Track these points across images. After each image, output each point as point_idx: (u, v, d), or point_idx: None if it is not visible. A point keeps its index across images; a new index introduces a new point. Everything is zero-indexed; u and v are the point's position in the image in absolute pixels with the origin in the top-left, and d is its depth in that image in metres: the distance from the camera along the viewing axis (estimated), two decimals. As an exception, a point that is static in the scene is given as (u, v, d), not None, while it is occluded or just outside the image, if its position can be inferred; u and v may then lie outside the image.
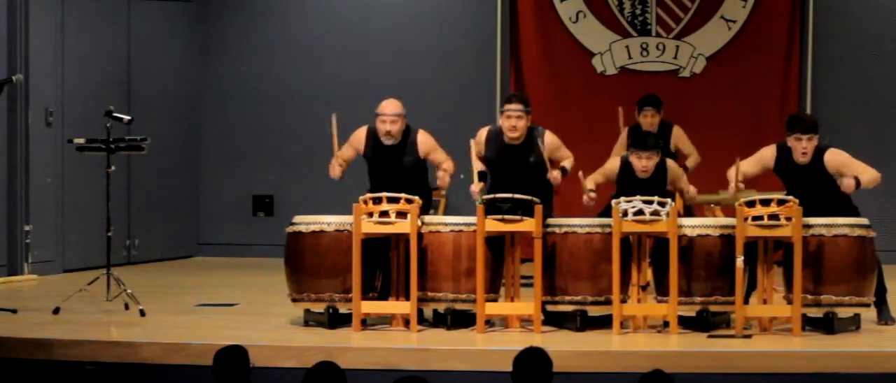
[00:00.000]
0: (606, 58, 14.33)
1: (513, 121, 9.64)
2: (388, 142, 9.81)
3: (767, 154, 9.61)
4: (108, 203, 10.56)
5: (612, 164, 9.91)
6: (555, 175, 9.61)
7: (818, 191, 9.38)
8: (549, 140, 9.72)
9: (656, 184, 9.66)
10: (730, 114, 13.82)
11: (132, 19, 14.17)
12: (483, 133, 9.84)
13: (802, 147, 9.40)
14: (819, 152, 9.45)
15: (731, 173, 9.50)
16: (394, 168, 9.82)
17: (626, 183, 9.71)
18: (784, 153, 9.52)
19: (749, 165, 9.62)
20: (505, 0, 14.46)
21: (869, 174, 9.36)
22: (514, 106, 9.67)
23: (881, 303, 9.47)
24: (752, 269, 9.23)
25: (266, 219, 14.93)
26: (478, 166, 9.70)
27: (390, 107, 9.83)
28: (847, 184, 9.28)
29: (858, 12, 14.24)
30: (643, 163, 9.67)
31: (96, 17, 13.71)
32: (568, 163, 9.77)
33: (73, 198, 13.21)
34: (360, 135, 9.95)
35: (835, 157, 9.44)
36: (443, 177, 9.79)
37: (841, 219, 9.19)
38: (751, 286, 9.36)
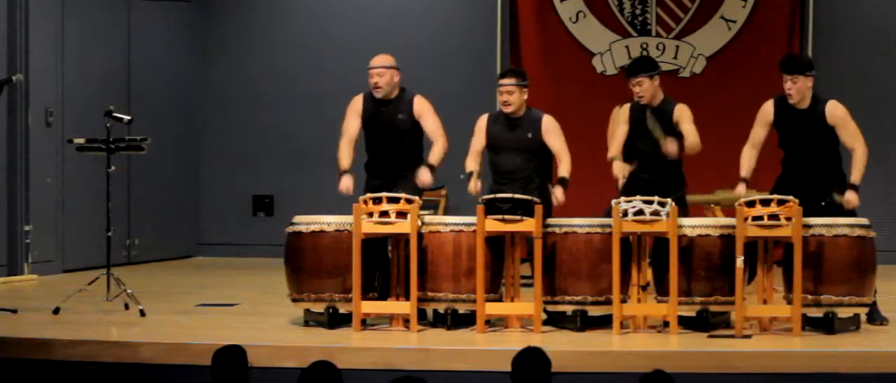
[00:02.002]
0: (606, 58, 14.33)
1: (505, 97, 9.66)
2: (378, 95, 9.83)
3: (766, 108, 9.64)
4: (108, 203, 10.57)
5: (621, 116, 9.87)
6: (557, 194, 9.58)
7: (814, 141, 9.41)
8: (546, 123, 9.69)
9: (663, 117, 9.67)
10: (730, 114, 13.79)
11: (132, 19, 14.18)
12: (483, 119, 9.84)
13: (788, 87, 9.44)
14: (820, 100, 9.46)
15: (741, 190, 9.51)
16: (389, 127, 9.81)
17: (636, 123, 9.71)
18: (781, 102, 9.54)
19: (757, 133, 9.60)
20: (505, 0, 14.46)
21: (860, 156, 9.38)
22: (506, 80, 9.71)
23: (872, 305, 9.45)
24: (753, 264, 9.21)
25: (266, 219, 14.94)
26: (470, 166, 9.71)
27: (377, 60, 9.96)
28: (850, 198, 9.30)
29: (858, 12, 14.24)
30: (636, 90, 9.69)
31: (96, 17, 13.71)
32: (565, 169, 9.66)
33: (73, 198, 13.21)
34: (357, 102, 10.00)
35: (835, 111, 9.47)
36: (434, 154, 9.76)
37: (841, 219, 9.20)
38: (751, 276, 9.35)
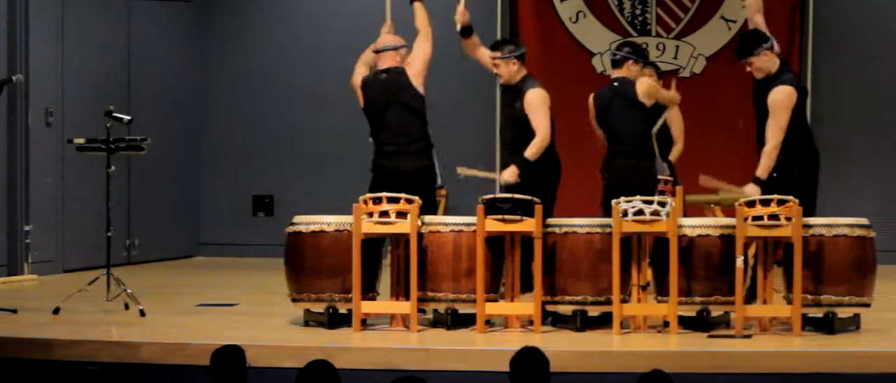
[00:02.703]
0: (606, 58, 14.32)
1: (494, 70, 9.81)
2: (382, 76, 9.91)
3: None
4: (108, 203, 10.57)
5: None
6: (503, 174, 9.61)
7: (762, 115, 9.51)
8: (530, 97, 9.68)
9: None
10: (730, 114, 13.81)
11: (132, 19, 14.18)
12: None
13: (748, 70, 9.61)
14: (778, 78, 9.51)
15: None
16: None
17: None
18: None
19: None
20: (505, 0, 14.46)
21: (766, 151, 9.40)
22: (493, 52, 9.89)
23: None
24: (753, 273, 9.22)
25: (266, 219, 14.94)
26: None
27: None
28: (750, 191, 9.38)
29: (858, 12, 14.25)
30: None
31: (96, 17, 13.72)
32: (529, 150, 9.58)
33: (73, 198, 13.21)
34: None
35: (774, 95, 9.45)
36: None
37: (841, 219, 9.20)
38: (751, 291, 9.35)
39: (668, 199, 9.13)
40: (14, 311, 10.04)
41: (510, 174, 9.59)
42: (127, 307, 10.15)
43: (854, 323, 9.22)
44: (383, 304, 9.42)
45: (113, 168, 10.57)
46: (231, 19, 15.06)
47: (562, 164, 9.84)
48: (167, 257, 14.61)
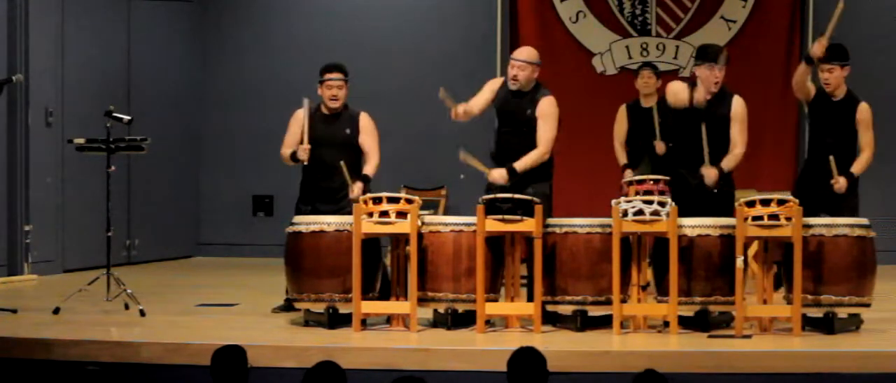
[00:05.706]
0: (606, 58, 14.33)
1: (333, 92, 10.32)
2: (513, 87, 9.72)
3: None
4: (108, 203, 10.57)
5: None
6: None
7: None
8: (363, 122, 10.15)
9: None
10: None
11: (132, 19, 14.18)
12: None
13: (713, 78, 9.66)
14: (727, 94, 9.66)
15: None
16: (517, 117, 9.74)
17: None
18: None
19: None
20: (505, 0, 14.46)
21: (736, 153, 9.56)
22: (333, 75, 10.35)
23: None
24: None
25: (266, 219, 14.94)
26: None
27: (521, 53, 9.92)
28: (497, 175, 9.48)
29: (858, 12, 14.23)
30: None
31: (96, 17, 13.72)
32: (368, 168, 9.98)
33: (73, 198, 13.21)
34: (495, 83, 9.92)
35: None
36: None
37: (841, 220, 9.21)
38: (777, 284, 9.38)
39: (668, 199, 9.13)
40: (14, 311, 10.04)
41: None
42: (127, 307, 10.15)
43: (854, 323, 9.23)
44: (383, 304, 9.42)
45: (113, 168, 10.57)
46: (231, 19, 15.06)
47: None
48: (167, 257, 14.61)
